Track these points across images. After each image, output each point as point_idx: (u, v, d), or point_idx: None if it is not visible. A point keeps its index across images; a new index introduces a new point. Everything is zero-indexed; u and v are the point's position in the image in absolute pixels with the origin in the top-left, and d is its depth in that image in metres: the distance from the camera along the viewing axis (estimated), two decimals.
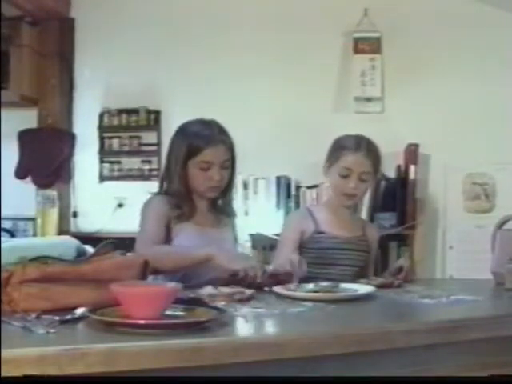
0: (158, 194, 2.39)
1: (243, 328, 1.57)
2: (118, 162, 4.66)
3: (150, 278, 2.12)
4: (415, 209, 4.12)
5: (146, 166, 4.62)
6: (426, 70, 4.26)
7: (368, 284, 2.11)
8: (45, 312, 1.46)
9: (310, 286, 2.01)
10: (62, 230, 4.23)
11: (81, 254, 1.67)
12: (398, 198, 4.09)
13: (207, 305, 1.60)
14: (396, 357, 1.54)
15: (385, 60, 4.29)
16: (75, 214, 4.67)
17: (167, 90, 4.57)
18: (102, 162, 4.66)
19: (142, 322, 1.35)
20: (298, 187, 4.27)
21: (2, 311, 1.47)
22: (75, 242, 1.70)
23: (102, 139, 4.66)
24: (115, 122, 4.63)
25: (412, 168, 4.09)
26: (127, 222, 4.14)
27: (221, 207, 2.43)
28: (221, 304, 1.69)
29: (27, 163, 4.58)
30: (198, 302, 1.60)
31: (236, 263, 2.07)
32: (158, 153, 4.55)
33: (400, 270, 2.33)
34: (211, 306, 1.56)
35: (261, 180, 4.30)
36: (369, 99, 4.30)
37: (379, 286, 2.11)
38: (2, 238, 1.67)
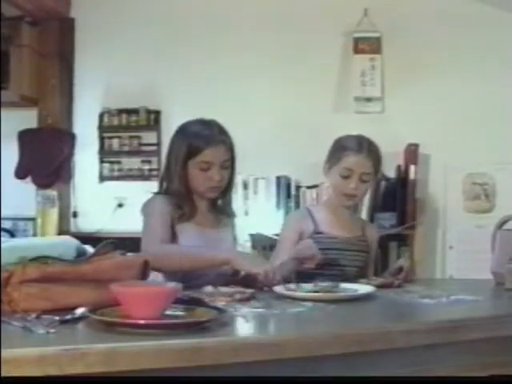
0: (159, 193, 2.38)
1: (243, 328, 1.57)
2: (118, 162, 4.66)
3: (157, 276, 2.12)
4: (415, 209, 4.12)
5: (146, 166, 4.62)
6: (426, 70, 4.26)
7: (368, 284, 2.11)
8: (45, 312, 1.46)
9: (310, 286, 2.01)
10: (62, 230, 4.23)
11: (81, 254, 1.66)
12: (398, 197, 4.09)
13: (207, 305, 1.60)
14: (396, 357, 1.54)
15: (385, 60, 4.29)
16: (75, 214, 4.67)
17: (167, 90, 4.57)
18: (102, 162, 4.66)
19: (142, 322, 1.35)
20: (298, 187, 4.27)
21: (2, 311, 1.47)
22: (75, 241, 1.70)
23: (102, 139, 4.66)
24: (115, 122, 4.63)
25: (412, 168, 4.09)
26: (127, 222, 4.17)
27: (221, 207, 2.43)
28: (221, 304, 1.69)
29: (27, 163, 4.58)
30: (198, 302, 1.60)
31: (256, 266, 2.05)
32: (158, 153, 4.55)
33: (400, 270, 2.33)
34: (211, 306, 1.56)
35: (261, 180, 4.30)
36: (369, 99, 4.30)
37: (379, 286, 2.11)
38: (2, 238, 1.67)
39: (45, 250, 1.59)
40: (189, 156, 2.28)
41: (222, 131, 2.33)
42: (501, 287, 2.21)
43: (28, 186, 4.53)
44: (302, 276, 2.20)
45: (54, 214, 3.78)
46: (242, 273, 2.27)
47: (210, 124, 2.34)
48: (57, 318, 1.41)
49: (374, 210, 4.05)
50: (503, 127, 4.14)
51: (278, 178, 4.28)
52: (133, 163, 4.64)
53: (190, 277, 2.18)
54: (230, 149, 2.34)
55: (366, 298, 1.95)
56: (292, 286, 2.00)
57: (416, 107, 4.27)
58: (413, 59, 4.27)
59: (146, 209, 2.31)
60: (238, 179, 3.98)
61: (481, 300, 1.99)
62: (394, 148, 3.79)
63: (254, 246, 3.60)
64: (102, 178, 4.66)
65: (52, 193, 3.93)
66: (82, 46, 4.70)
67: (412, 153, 4.12)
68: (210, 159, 2.27)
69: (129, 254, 1.78)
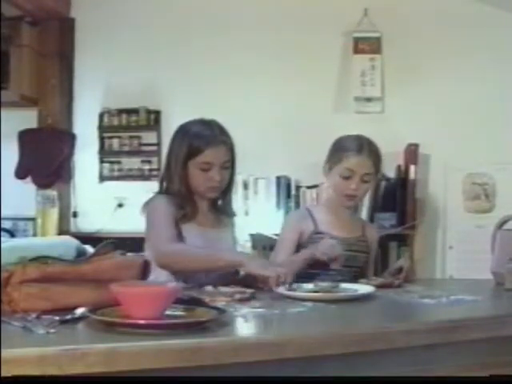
0: (160, 193, 2.38)
1: (243, 328, 1.57)
2: (118, 162, 4.66)
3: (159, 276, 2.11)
4: (415, 209, 4.12)
5: (146, 166, 4.62)
6: (426, 69, 4.26)
7: (368, 284, 2.11)
8: (45, 312, 1.46)
9: (310, 286, 2.02)
10: (62, 230, 4.24)
11: (81, 254, 1.66)
12: (398, 197, 4.09)
13: (207, 305, 1.60)
14: (396, 357, 1.54)
15: (385, 60, 4.29)
16: (75, 214, 4.67)
17: (167, 90, 4.57)
18: (102, 162, 4.66)
19: (142, 322, 1.35)
20: (298, 187, 4.27)
21: (2, 311, 1.47)
22: (75, 241, 1.70)
23: (102, 139, 4.66)
24: (115, 122, 4.63)
25: (412, 168, 4.09)
26: (127, 222, 4.17)
27: (221, 207, 2.43)
28: (221, 304, 1.69)
29: (27, 163, 4.58)
30: (198, 302, 1.60)
31: (268, 269, 2.03)
32: (158, 153, 4.55)
33: (400, 270, 2.33)
34: (211, 306, 1.56)
35: (261, 180, 4.30)
36: (369, 99, 4.30)
37: (379, 286, 2.11)
38: (2, 238, 1.67)
39: (45, 250, 1.59)
40: (189, 156, 2.27)
41: (222, 131, 2.33)
42: (501, 287, 2.21)
43: (28, 186, 4.53)
44: (302, 276, 2.20)
45: (54, 214, 3.79)
46: (242, 273, 2.28)
47: (211, 124, 2.34)
48: (57, 318, 1.41)
49: (374, 210, 4.05)
50: (503, 127, 4.14)
51: (278, 178, 4.28)
52: (133, 163, 4.64)
53: (190, 277, 2.19)
54: (231, 149, 2.33)
55: (366, 298, 1.95)
56: (293, 285, 2.00)
57: (416, 107, 4.27)
58: (413, 59, 4.27)
59: (150, 208, 2.29)
60: (238, 179, 3.97)
61: (481, 300, 1.99)
62: (394, 148, 3.79)
63: (254, 246, 3.59)
64: (102, 178, 4.65)
65: (52, 193, 3.94)
66: (82, 46, 4.70)
67: (412, 153, 4.12)
68: (211, 160, 2.27)
69: (129, 254, 1.77)
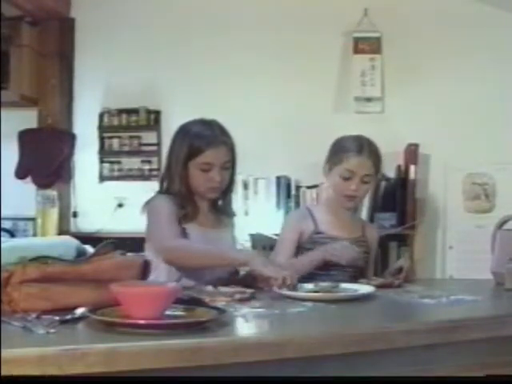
0: (160, 193, 2.38)
1: (243, 328, 1.57)
2: (118, 162, 4.65)
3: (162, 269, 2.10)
4: (415, 209, 4.12)
5: (146, 166, 4.62)
6: (426, 69, 4.26)
7: (368, 284, 2.11)
8: (45, 312, 1.46)
9: (310, 286, 2.02)
10: (62, 230, 4.24)
11: (81, 254, 1.67)
12: (398, 197, 4.09)
13: (207, 305, 1.60)
14: (396, 357, 1.54)
15: (385, 60, 4.29)
16: (75, 214, 4.66)
17: (167, 90, 4.56)
18: (102, 162, 4.66)
19: (142, 322, 1.35)
20: (298, 187, 4.27)
21: (2, 311, 1.47)
22: (75, 241, 1.70)
23: (102, 139, 4.66)
24: (115, 122, 4.62)
25: (412, 168, 4.09)
26: (127, 222, 4.17)
27: (221, 207, 2.42)
28: (221, 304, 1.69)
29: (27, 163, 4.58)
30: (198, 302, 1.60)
31: (275, 271, 2.02)
32: (158, 153, 4.55)
33: (400, 270, 2.33)
34: (211, 306, 1.56)
35: (261, 180, 4.30)
36: (369, 99, 4.29)
37: (379, 286, 2.11)
38: (2, 238, 1.67)
39: (45, 250, 1.59)
40: (190, 157, 2.27)
41: (223, 132, 2.33)
42: (501, 287, 2.21)
43: (28, 186, 4.53)
44: (302, 276, 2.20)
45: (54, 214, 3.79)
46: (242, 273, 2.28)
47: (212, 124, 2.33)
48: (57, 318, 1.41)
49: (374, 210, 4.04)
50: (503, 127, 4.14)
51: (278, 178, 4.28)
52: (133, 163, 4.64)
53: (190, 277, 2.19)
54: (231, 150, 2.33)
55: (366, 298, 1.95)
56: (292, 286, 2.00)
57: (416, 107, 4.27)
58: (413, 59, 4.27)
59: (152, 206, 2.29)
60: (238, 179, 3.97)
61: (481, 300, 1.99)
62: (394, 148, 3.79)
63: (254, 246, 3.60)
64: (102, 178, 4.65)
65: (52, 193, 3.94)
66: (82, 46, 4.70)
67: (412, 153, 4.11)
68: (211, 160, 2.27)
69: (129, 254, 1.77)
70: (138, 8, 4.60)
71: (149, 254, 2.17)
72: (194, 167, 2.28)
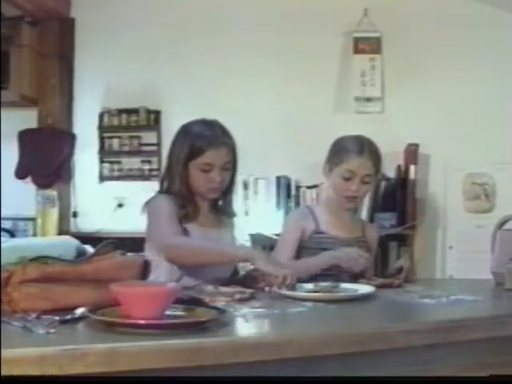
0: (161, 193, 2.37)
1: (243, 328, 1.57)
2: (118, 162, 4.66)
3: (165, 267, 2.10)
4: (415, 209, 4.12)
5: (146, 166, 4.62)
6: (426, 69, 4.26)
7: (368, 284, 2.11)
8: (45, 312, 1.46)
9: (310, 286, 2.02)
10: (62, 230, 4.24)
11: (81, 254, 1.67)
12: (398, 197, 4.09)
13: (207, 305, 1.60)
14: (396, 357, 1.54)
15: (385, 60, 4.29)
16: (75, 214, 4.67)
17: (167, 90, 4.56)
18: (102, 162, 4.66)
19: (142, 322, 1.35)
20: (298, 187, 4.27)
21: (2, 311, 1.47)
22: (75, 241, 1.70)
23: (102, 139, 4.66)
24: (115, 122, 4.63)
25: (412, 168, 4.09)
26: (127, 222, 4.17)
27: (221, 208, 2.42)
28: (221, 304, 1.69)
29: (27, 163, 4.58)
30: (198, 302, 1.60)
31: (277, 269, 2.01)
32: (158, 153, 4.55)
33: (400, 270, 2.33)
34: (211, 306, 1.56)
35: (261, 180, 4.30)
36: (369, 99, 4.30)
37: (379, 286, 2.11)
38: (2, 238, 1.67)
39: (45, 250, 1.59)
40: (190, 157, 2.26)
41: (224, 133, 2.32)
42: (501, 287, 2.21)
43: (28, 186, 4.53)
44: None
45: (54, 214, 3.78)
46: (242, 273, 2.28)
47: (213, 125, 2.32)
48: (57, 318, 1.41)
49: (374, 210, 4.05)
50: (503, 127, 4.14)
51: (278, 178, 4.28)
52: (133, 163, 4.64)
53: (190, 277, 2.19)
54: (232, 150, 2.32)
55: (365, 298, 1.95)
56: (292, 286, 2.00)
57: (416, 107, 4.27)
58: (413, 59, 4.27)
59: (152, 206, 2.29)
60: (239, 179, 3.96)
61: (481, 300, 1.99)
62: (394, 148, 3.79)
63: (254, 246, 3.59)
64: (102, 178, 4.65)
65: (52, 193, 3.94)
66: (82, 46, 4.70)
67: (412, 153, 4.12)
68: (212, 161, 2.26)
69: (129, 254, 1.77)
70: (137, 8, 4.60)
71: (149, 253, 2.17)
72: (195, 167, 2.27)
